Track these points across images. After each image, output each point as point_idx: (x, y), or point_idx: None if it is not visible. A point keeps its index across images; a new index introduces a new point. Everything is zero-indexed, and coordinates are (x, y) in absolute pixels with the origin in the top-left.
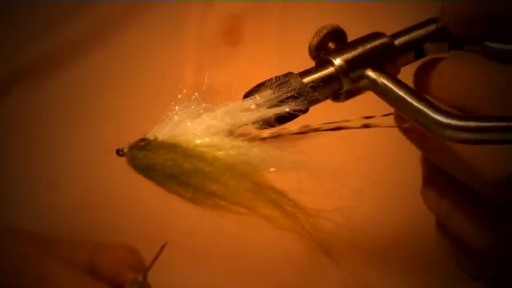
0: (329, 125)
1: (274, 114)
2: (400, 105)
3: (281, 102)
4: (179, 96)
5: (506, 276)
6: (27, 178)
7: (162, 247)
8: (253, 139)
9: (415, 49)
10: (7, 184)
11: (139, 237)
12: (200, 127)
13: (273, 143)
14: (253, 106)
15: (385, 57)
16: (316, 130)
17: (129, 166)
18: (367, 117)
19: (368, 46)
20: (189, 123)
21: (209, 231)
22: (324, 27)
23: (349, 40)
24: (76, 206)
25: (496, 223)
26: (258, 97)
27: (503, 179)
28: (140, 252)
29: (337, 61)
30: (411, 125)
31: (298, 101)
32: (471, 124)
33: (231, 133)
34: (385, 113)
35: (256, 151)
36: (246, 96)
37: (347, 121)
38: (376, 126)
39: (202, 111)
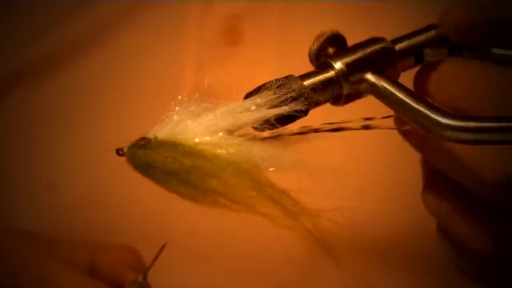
0: (329, 125)
1: (274, 115)
2: (400, 107)
3: (281, 103)
4: (179, 96)
5: (506, 279)
6: (27, 178)
7: (162, 247)
8: (253, 138)
9: (415, 54)
10: (7, 184)
11: (139, 237)
12: (200, 126)
13: (273, 143)
14: (253, 107)
15: (385, 61)
16: (316, 130)
17: (129, 165)
18: (367, 119)
19: (368, 50)
20: (189, 122)
21: (209, 231)
22: (324, 32)
23: (349, 45)
24: (76, 206)
25: (496, 225)
26: (258, 99)
27: (503, 181)
28: (140, 252)
29: (338, 65)
30: (411, 127)
31: (298, 102)
32: (471, 124)
33: (231, 132)
34: (385, 115)
35: (256, 150)
36: (246, 97)
37: (347, 122)
38: (376, 127)
39: (202, 110)
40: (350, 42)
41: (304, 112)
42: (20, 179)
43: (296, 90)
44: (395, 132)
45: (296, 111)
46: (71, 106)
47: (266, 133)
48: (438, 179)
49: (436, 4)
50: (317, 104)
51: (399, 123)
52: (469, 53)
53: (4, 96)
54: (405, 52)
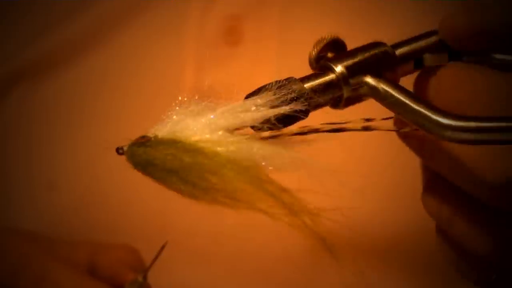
0: (329, 126)
1: (274, 115)
2: (400, 109)
3: (281, 103)
4: (179, 96)
5: (507, 282)
6: (27, 178)
7: (162, 247)
8: (253, 137)
9: (415, 59)
10: (7, 184)
11: (139, 237)
12: (200, 124)
13: (273, 142)
14: (253, 107)
15: (385, 65)
16: (316, 130)
17: (129, 165)
18: (367, 120)
19: (369, 53)
20: (189, 121)
21: (209, 231)
22: (324, 38)
23: (348, 47)
24: (76, 206)
25: (496, 229)
26: (258, 99)
27: (502, 183)
28: (140, 252)
29: (338, 68)
30: (411, 129)
31: (298, 103)
32: (471, 124)
33: (231, 131)
34: (385, 117)
35: (257, 148)
36: (247, 98)
37: (347, 122)
38: (376, 129)
39: (202, 110)
40: (350, 42)
41: (304, 113)
42: (20, 179)
43: (297, 91)
44: (395, 132)
45: (296, 111)
46: (71, 106)
47: (266, 133)
48: (438, 182)
49: (436, 4)
50: (317, 106)
51: (399, 126)
52: (469, 58)
53: (4, 96)
54: (405, 57)
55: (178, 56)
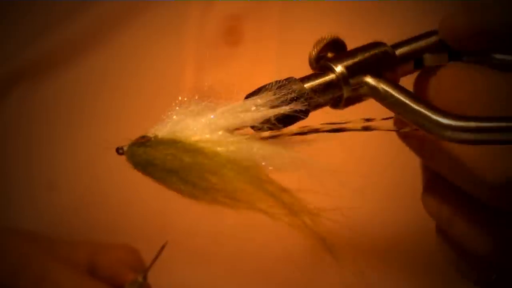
0: (329, 126)
1: (274, 115)
2: (400, 109)
3: (281, 103)
4: (179, 97)
5: (507, 282)
6: (27, 178)
7: (162, 248)
8: (253, 137)
9: (415, 59)
10: (7, 184)
11: (139, 237)
12: (200, 124)
13: (273, 142)
14: (253, 108)
15: (385, 65)
16: (316, 130)
17: (129, 164)
18: (367, 120)
19: (369, 53)
20: (189, 121)
21: (209, 231)
22: (324, 38)
23: (348, 47)
24: (76, 206)
25: (496, 229)
26: (258, 99)
27: (503, 183)
28: (140, 252)
29: (338, 68)
30: (411, 129)
31: (298, 103)
32: (471, 124)
33: (231, 131)
34: (385, 117)
35: (257, 148)
36: (247, 98)
37: (347, 122)
38: (376, 129)
39: (202, 110)
40: (350, 42)
41: (304, 113)
42: (20, 179)
43: (297, 91)
44: (395, 132)
45: (296, 111)
46: (71, 106)
47: (266, 133)
48: (438, 182)
49: (436, 4)
50: (317, 106)
51: (399, 126)
52: (469, 58)
53: (4, 96)
54: (405, 57)
55: (178, 56)
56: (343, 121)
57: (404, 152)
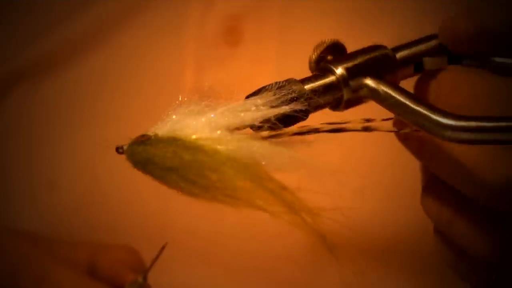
0: (329, 126)
1: (274, 115)
2: (400, 110)
3: (282, 103)
4: (179, 97)
5: (506, 283)
6: (27, 178)
7: (162, 248)
8: (253, 137)
9: (415, 62)
10: (7, 184)
11: (139, 237)
12: (200, 123)
13: (273, 142)
14: (253, 108)
15: (385, 67)
16: (316, 131)
17: (129, 164)
18: (367, 120)
19: (369, 56)
20: (189, 120)
21: (209, 231)
22: (324, 41)
23: (348, 50)
24: (76, 206)
25: (496, 230)
26: (258, 99)
27: (502, 184)
28: (140, 252)
29: (338, 70)
30: (411, 129)
31: (298, 103)
32: (472, 124)
33: (231, 130)
34: (385, 117)
35: (257, 147)
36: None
37: (347, 122)
38: (376, 129)
39: (202, 109)
40: (350, 42)
41: (305, 113)
42: (20, 179)
43: (297, 92)
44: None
45: (296, 111)
46: (71, 106)
47: (266, 133)
48: (438, 185)
49: (436, 4)
50: (317, 107)
51: (399, 127)
52: (469, 62)
53: (4, 96)
54: (405, 61)
55: (178, 56)
56: (343, 122)
57: (404, 153)
